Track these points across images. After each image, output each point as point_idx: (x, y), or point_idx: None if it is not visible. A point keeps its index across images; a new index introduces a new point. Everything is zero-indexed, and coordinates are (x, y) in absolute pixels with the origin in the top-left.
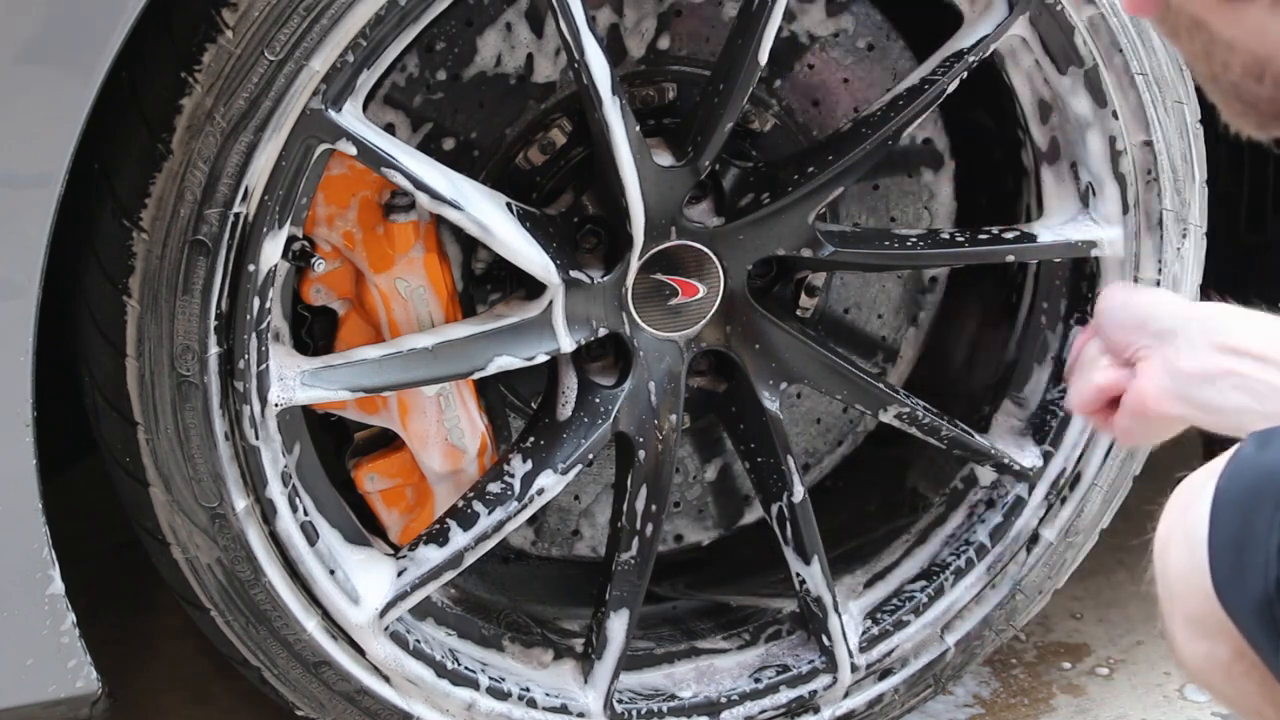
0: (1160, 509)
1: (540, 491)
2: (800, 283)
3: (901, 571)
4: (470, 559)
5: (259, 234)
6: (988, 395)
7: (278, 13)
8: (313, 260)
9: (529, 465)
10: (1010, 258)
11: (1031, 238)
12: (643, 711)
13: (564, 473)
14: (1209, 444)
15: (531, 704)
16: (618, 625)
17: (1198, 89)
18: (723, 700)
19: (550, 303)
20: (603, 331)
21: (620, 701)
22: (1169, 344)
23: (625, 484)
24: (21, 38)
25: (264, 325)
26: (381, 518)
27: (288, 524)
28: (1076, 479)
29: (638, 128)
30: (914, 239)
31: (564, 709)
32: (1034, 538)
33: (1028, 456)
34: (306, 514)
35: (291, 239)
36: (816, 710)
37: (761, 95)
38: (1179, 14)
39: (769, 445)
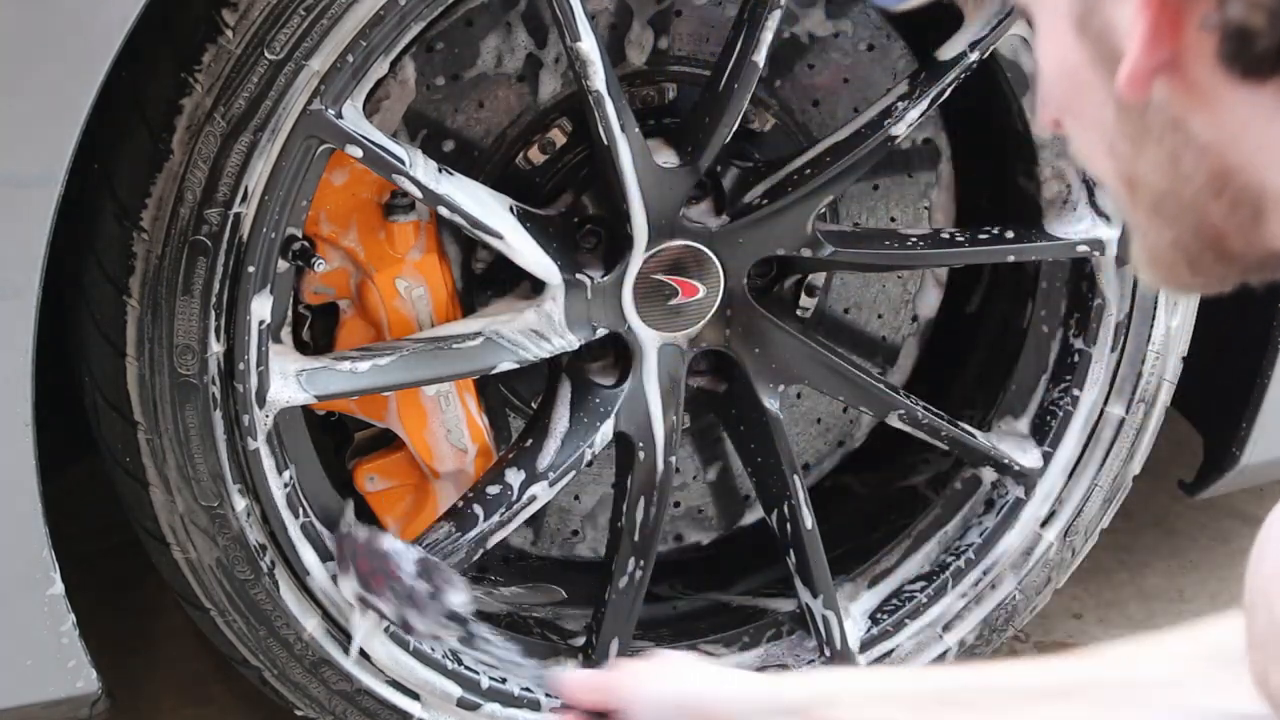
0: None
1: (533, 498)
2: (800, 283)
3: (902, 572)
4: (470, 558)
5: (259, 234)
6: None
7: (278, 13)
8: (313, 260)
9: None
10: (1011, 258)
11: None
12: None
13: (561, 476)
14: (1209, 444)
15: (534, 705)
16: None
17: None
18: None
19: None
20: (602, 332)
21: None
22: None
23: (625, 485)
24: (22, 38)
25: (264, 325)
26: (382, 518)
27: (288, 524)
28: (1077, 479)
29: (638, 128)
30: (914, 239)
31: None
32: (1034, 537)
33: (1028, 457)
34: (306, 514)
35: (291, 239)
36: None
37: (761, 95)
38: (1158, 114)
39: (769, 446)
